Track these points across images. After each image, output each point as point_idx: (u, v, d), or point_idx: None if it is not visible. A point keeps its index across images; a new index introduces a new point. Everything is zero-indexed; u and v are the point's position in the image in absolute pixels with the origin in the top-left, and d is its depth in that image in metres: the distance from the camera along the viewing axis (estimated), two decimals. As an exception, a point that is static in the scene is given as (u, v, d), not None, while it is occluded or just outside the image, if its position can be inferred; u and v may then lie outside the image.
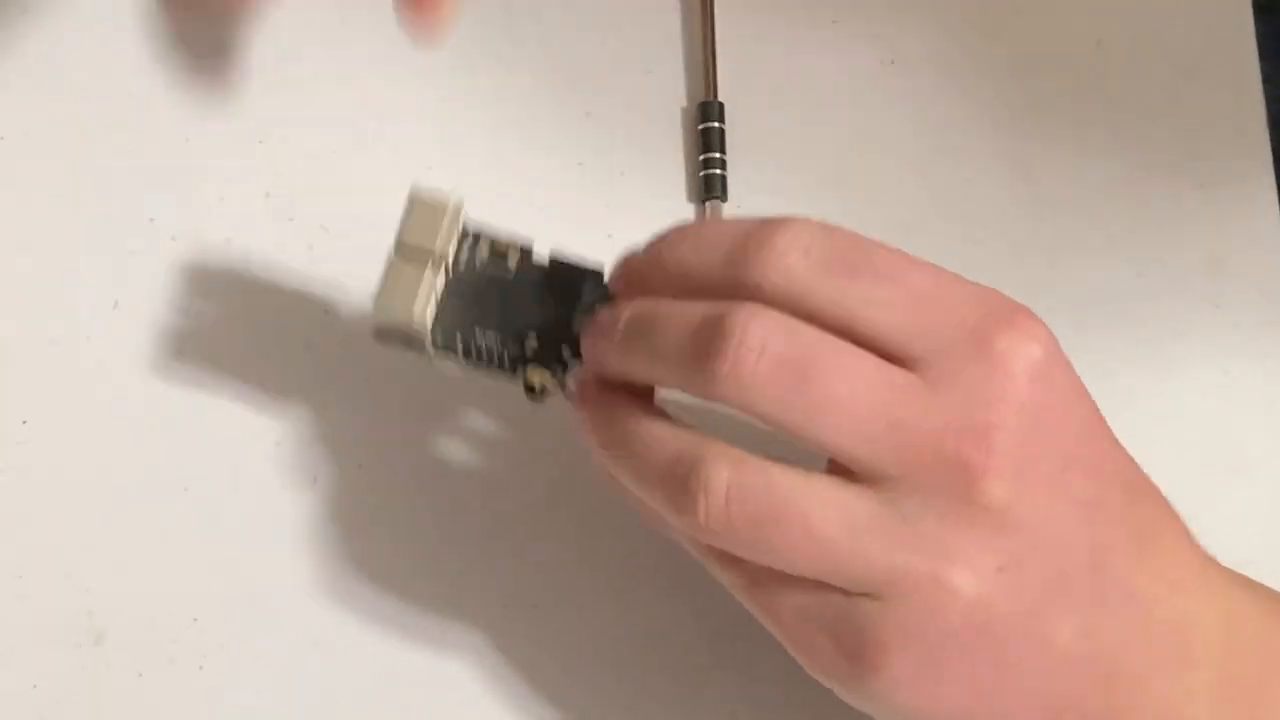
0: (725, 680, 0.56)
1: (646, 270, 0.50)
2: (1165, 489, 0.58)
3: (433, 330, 0.52)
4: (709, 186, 0.62)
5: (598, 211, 0.62)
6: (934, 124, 0.65)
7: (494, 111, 0.63)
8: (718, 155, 0.63)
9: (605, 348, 0.49)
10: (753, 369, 0.45)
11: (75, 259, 0.60)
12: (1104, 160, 0.65)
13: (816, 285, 0.46)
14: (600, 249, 0.62)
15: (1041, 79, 0.66)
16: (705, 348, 0.46)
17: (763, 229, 0.47)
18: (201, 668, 0.55)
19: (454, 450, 0.59)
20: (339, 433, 0.58)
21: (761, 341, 0.45)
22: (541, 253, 0.53)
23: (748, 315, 0.46)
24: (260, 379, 0.59)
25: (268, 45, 0.63)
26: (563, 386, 0.52)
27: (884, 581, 0.45)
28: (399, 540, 0.57)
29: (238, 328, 0.59)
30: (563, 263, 0.53)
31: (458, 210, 0.52)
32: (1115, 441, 0.49)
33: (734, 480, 0.45)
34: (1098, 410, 0.49)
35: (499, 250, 0.53)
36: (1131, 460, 0.49)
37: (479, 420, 0.59)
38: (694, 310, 0.47)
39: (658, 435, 0.48)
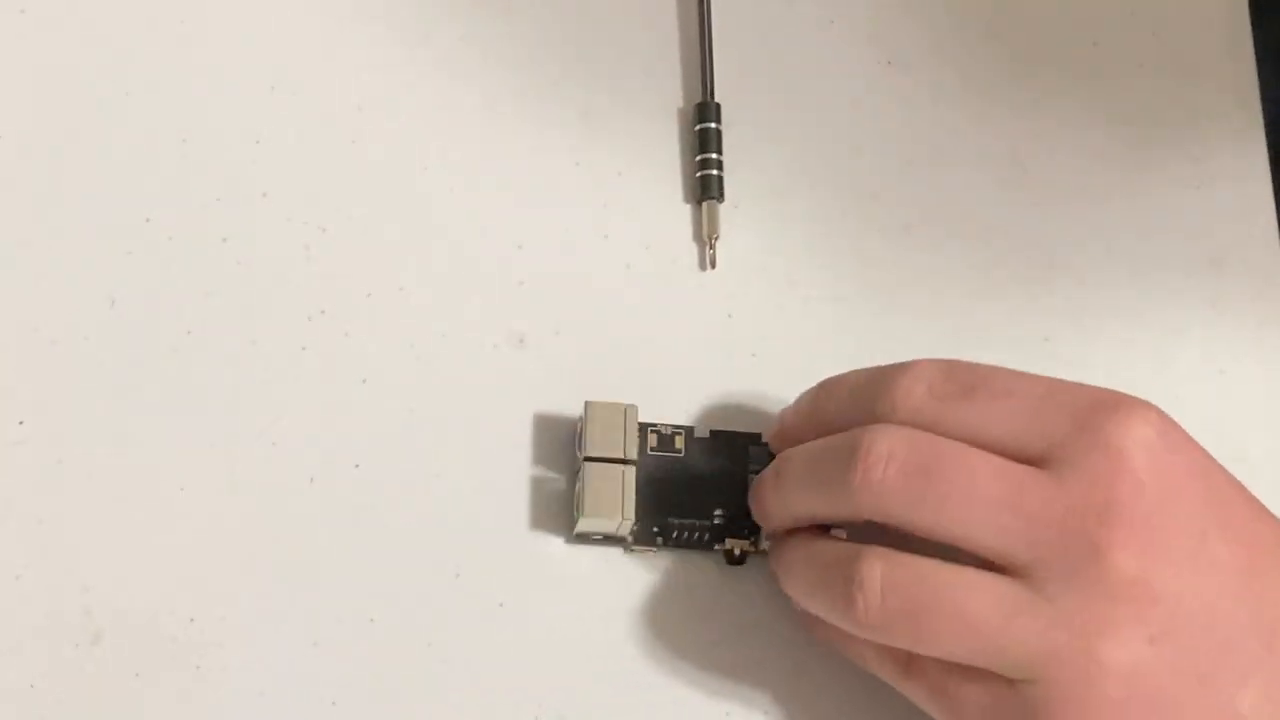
0: None
1: (795, 422, 0.55)
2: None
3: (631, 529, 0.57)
4: (705, 187, 0.62)
5: (594, 211, 0.62)
6: (932, 124, 0.65)
7: (491, 111, 0.63)
8: (714, 156, 0.62)
9: (764, 494, 0.54)
10: (882, 475, 0.49)
11: (73, 258, 0.59)
12: (1102, 160, 0.65)
13: (940, 412, 0.50)
14: (597, 248, 0.62)
15: (1039, 79, 0.66)
16: (840, 465, 0.50)
17: (888, 371, 0.51)
18: (199, 667, 0.55)
19: (454, 449, 0.58)
20: (336, 433, 0.58)
21: (889, 449, 0.49)
22: (702, 429, 0.58)
23: (876, 431, 0.50)
24: (257, 379, 0.59)
25: (266, 45, 0.63)
26: (756, 547, 0.57)
27: (1040, 662, 0.48)
28: (396, 540, 0.57)
29: (235, 328, 0.59)
30: (723, 433, 0.58)
31: (634, 414, 0.57)
32: (1258, 505, 0.51)
33: (887, 574, 0.49)
34: (1232, 479, 0.51)
35: (665, 436, 0.57)
36: (1277, 521, 0.51)
37: (479, 420, 0.59)
38: (831, 441, 0.52)
39: (819, 548, 0.53)
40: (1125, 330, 0.62)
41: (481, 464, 0.58)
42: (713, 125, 0.63)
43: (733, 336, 0.61)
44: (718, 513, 0.57)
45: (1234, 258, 0.64)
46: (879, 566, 0.49)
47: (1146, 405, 0.50)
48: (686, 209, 0.63)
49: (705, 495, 0.57)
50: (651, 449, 0.57)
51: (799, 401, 0.56)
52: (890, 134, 0.64)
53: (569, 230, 0.62)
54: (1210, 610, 0.48)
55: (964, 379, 0.50)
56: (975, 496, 0.48)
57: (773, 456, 0.57)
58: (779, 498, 0.54)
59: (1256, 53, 0.67)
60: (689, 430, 0.57)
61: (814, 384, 0.55)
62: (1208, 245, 0.64)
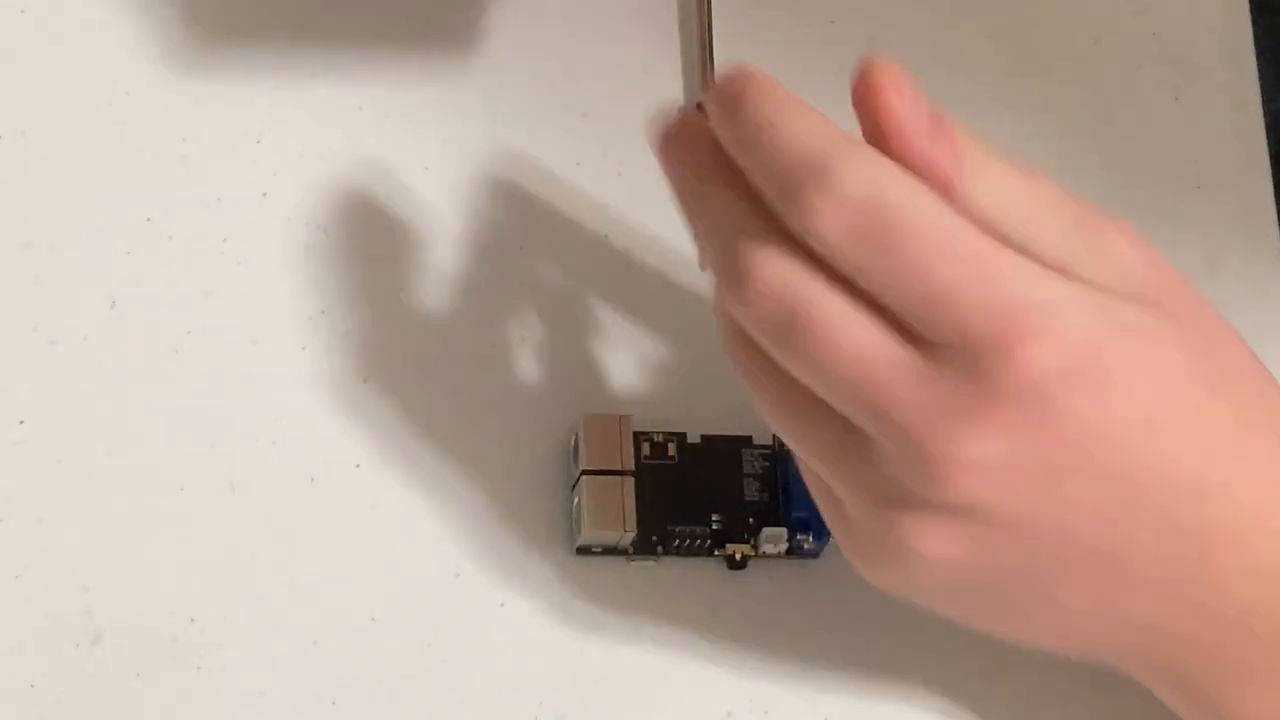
0: None
1: (729, 113, 0.47)
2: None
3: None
4: None
5: (594, 211, 0.62)
6: (931, 124, 0.65)
7: (491, 111, 0.63)
8: None
9: (679, 165, 0.49)
10: (754, 302, 0.45)
11: (72, 258, 0.59)
12: (1101, 161, 0.65)
13: (845, 253, 0.44)
14: (596, 247, 0.62)
15: (1039, 79, 0.66)
16: (722, 259, 0.46)
17: (823, 168, 0.45)
18: (199, 668, 0.55)
19: (454, 448, 0.58)
20: (336, 432, 0.58)
21: (766, 285, 0.45)
22: (694, 435, 0.57)
23: (762, 258, 0.45)
24: (256, 379, 0.59)
25: (265, 44, 0.63)
26: (756, 551, 0.57)
27: (896, 428, 0.44)
28: (396, 540, 0.57)
29: (235, 328, 0.59)
30: (716, 438, 0.57)
31: (629, 425, 0.56)
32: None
33: (778, 279, 0.45)
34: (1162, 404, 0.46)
35: (658, 444, 0.57)
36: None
37: (478, 420, 0.59)
38: (730, 216, 0.46)
39: (722, 199, 0.47)
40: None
41: (481, 464, 0.58)
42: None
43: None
44: (715, 518, 0.57)
45: (1234, 258, 0.64)
46: (774, 270, 0.45)
47: (1065, 326, 0.44)
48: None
49: (702, 501, 0.57)
50: (645, 457, 0.57)
51: (750, 91, 0.47)
52: (890, 134, 0.64)
53: (569, 230, 0.62)
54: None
55: (885, 230, 0.44)
56: (835, 362, 0.44)
57: (766, 458, 0.57)
58: (682, 195, 0.49)
59: (1256, 53, 0.67)
60: (681, 437, 0.57)
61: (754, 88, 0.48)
62: (1208, 245, 0.64)
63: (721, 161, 0.47)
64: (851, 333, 0.44)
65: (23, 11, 0.62)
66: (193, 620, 0.55)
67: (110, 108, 0.61)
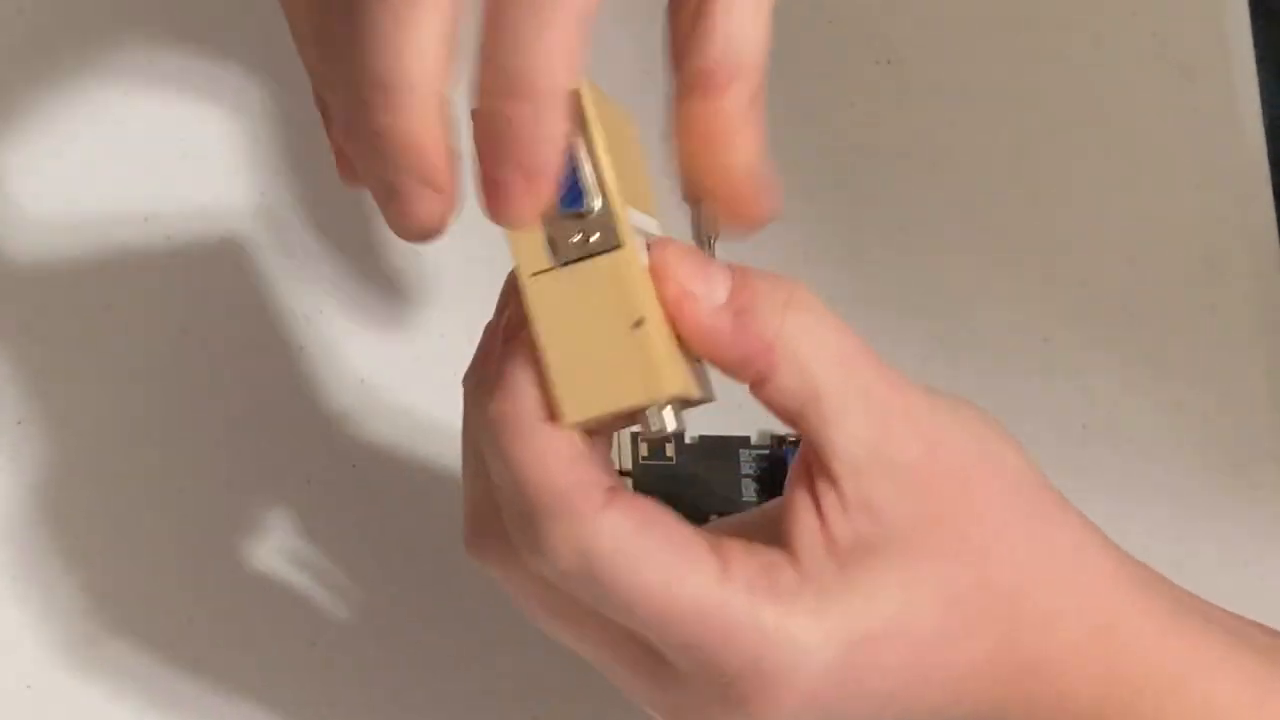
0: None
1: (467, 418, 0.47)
2: (1162, 489, 0.58)
3: None
4: None
5: (595, 212, 0.62)
6: (929, 124, 0.65)
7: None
8: None
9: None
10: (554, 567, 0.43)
11: (71, 258, 0.59)
12: (1101, 160, 0.65)
13: (577, 596, 0.44)
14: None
15: (1039, 79, 0.66)
16: (477, 541, 0.45)
17: (538, 528, 0.43)
18: (198, 669, 0.55)
19: (453, 448, 0.58)
20: (333, 433, 0.58)
21: (514, 597, 0.45)
22: (691, 434, 0.57)
23: (504, 577, 0.45)
24: (255, 379, 0.59)
25: (264, 45, 0.63)
26: None
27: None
28: (393, 540, 0.57)
29: (232, 328, 0.59)
30: (712, 438, 0.57)
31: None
32: None
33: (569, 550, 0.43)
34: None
35: (655, 445, 0.57)
36: None
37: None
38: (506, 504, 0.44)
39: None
40: (1125, 330, 0.62)
41: (480, 464, 0.58)
42: None
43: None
44: (714, 518, 0.56)
45: (1234, 258, 0.64)
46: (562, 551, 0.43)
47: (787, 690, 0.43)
48: (684, 208, 0.63)
49: (700, 501, 0.57)
50: (643, 458, 0.57)
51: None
52: (888, 133, 0.64)
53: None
54: None
55: (604, 598, 0.43)
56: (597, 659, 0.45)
57: (764, 459, 0.57)
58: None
59: (1256, 53, 0.67)
60: (679, 437, 0.57)
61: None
62: (1208, 245, 0.64)
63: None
64: (589, 635, 0.44)
65: (20, 11, 0.62)
66: (191, 620, 0.55)
67: (109, 107, 0.61)
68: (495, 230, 0.62)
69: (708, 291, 0.43)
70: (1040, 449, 0.60)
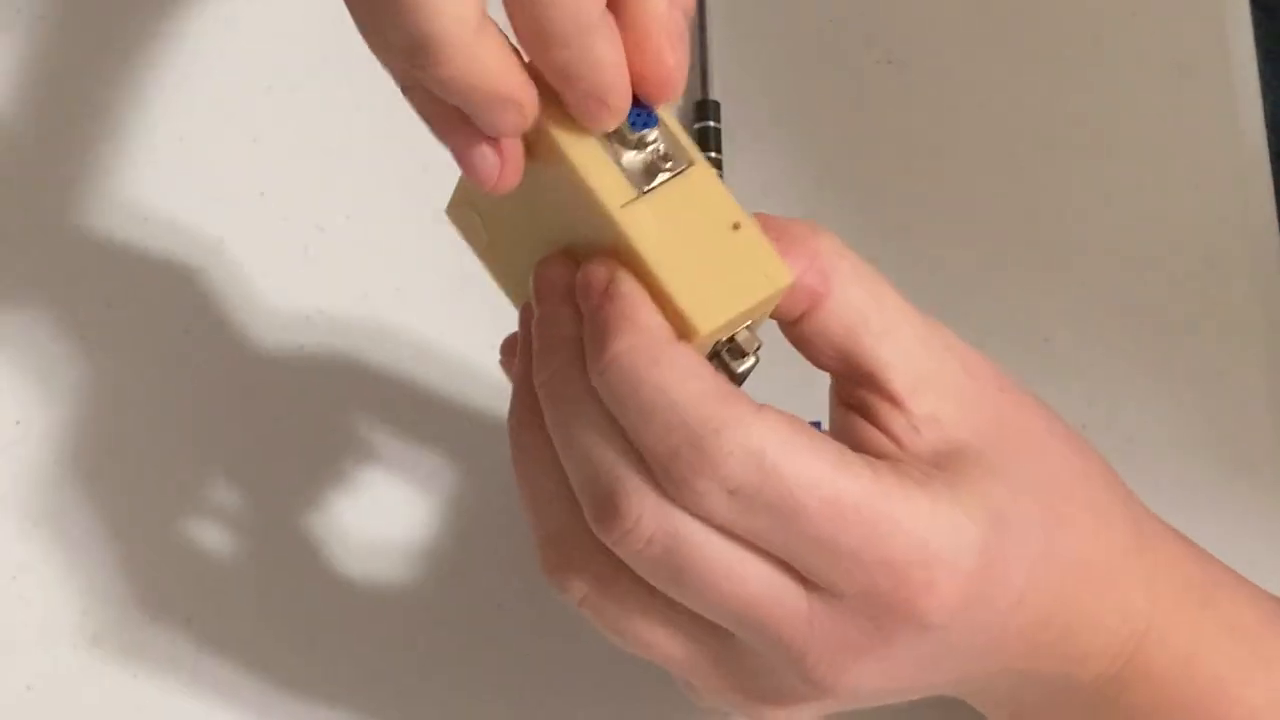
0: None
1: (594, 361, 0.44)
2: (1164, 490, 0.58)
3: None
4: None
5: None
6: (930, 123, 0.65)
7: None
8: (714, 155, 0.62)
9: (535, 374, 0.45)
10: (629, 543, 0.43)
11: (69, 258, 0.59)
12: (1101, 160, 0.65)
13: (735, 527, 0.43)
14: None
15: (1039, 79, 0.66)
16: (600, 508, 0.43)
17: (701, 448, 0.42)
18: (198, 669, 0.55)
19: (450, 449, 0.58)
20: (333, 432, 0.58)
21: (643, 528, 0.43)
22: None
23: (638, 501, 0.43)
24: (254, 379, 0.59)
25: (263, 44, 0.63)
26: None
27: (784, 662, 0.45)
28: (394, 539, 0.57)
29: (232, 328, 0.59)
30: None
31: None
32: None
33: (654, 522, 0.43)
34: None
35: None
36: None
37: (474, 421, 0.59)
38: (599, 448, 0.43)
39: (588, 423, 0.44)
40: (1125, 330, 0.62)
41: (481, 465, 0.58)
42: (711, 123, 0.63)
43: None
44: None
45: (1234, 258, 0.64)
46: (651, 516, 0.42)
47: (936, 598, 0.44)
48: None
49: None
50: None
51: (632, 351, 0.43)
52: (888, 133, 0.64)
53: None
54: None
55: (774, 502, 0.42)
56: (726, 608, 0.44)
57: None
58: (556, 443, 0.45)
59: (1257, 53, 0.67)
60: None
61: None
62: (1208, 245, 0.64)
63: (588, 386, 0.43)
64: (738, 576, 0.43)
65: (19, 11, 0.62)
66: (190, 620, 0.55)
67: (108, 107, 0.61)
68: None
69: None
70: (1040, 449, 0.60)
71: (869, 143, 0.64)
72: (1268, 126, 0.66)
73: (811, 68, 0.65)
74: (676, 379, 0.42)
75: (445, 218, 0.61)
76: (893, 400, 0.44)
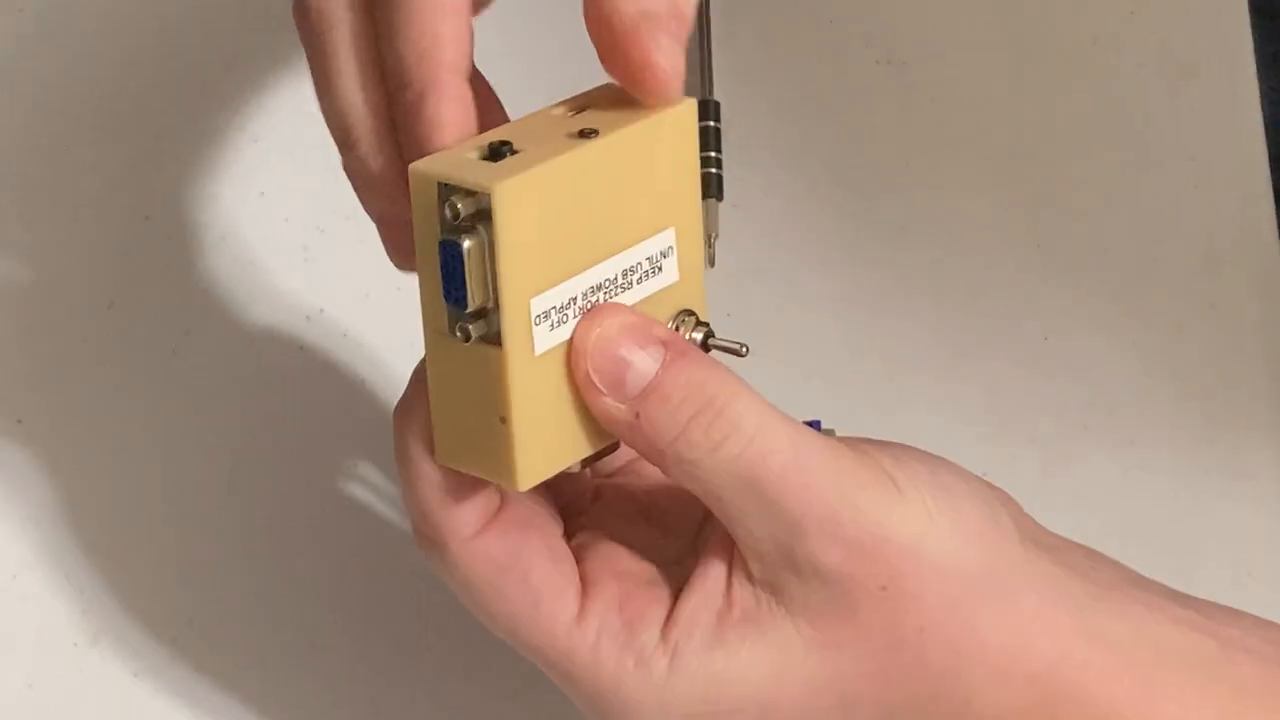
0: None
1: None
2: (1163, 489, 0.58)
3: None
4: (705, 185, 0.62)
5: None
6: (929, 123, 0.65)
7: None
8: (714, 154, 0.62)
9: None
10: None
11: (71, 258, 0.59)
12: (1101, 160, 0.65)
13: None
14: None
15: (1039, 79, 0.66)
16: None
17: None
18: (198, 669, 0.55)
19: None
20: (334, 433, 0.58)
21: None
22: None
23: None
24: (255, 379, 0.59)
25: (262, 43, 0.63)
26: None
27: None
28: (395, 539, 0.57)
29: (232, 328, 0.59)
30: None
31: None
32: None
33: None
34: None
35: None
36: None
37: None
38: None
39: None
40: (1125, 330, 0.62)
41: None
42: (712, 123, 0.63)
43: (731, 335, 0.61)
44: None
45: (1234, 258, 0.64)
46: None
47: None
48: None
49: None
50: None
51: None
52: (887, 133, 0.64)
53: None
54: None
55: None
56: None
57: None
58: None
59: (1256, 53, 0.67)
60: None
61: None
62: (1208, 245, 0.64)
63: None
64: None
65: (20, 11, 0.62)
66: (190, 621, 0.55)
67: (109, 107, 0.61)
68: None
69: (617, 386, 0.43)
70: (1040, 449, 0.60)
71: (869, 143, 0.64)
72: (1267, 127, 0.66)
73: (811, 68, 0.65)
74: (411, 479, 0.45)
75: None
76: (742, 560, 0.44)
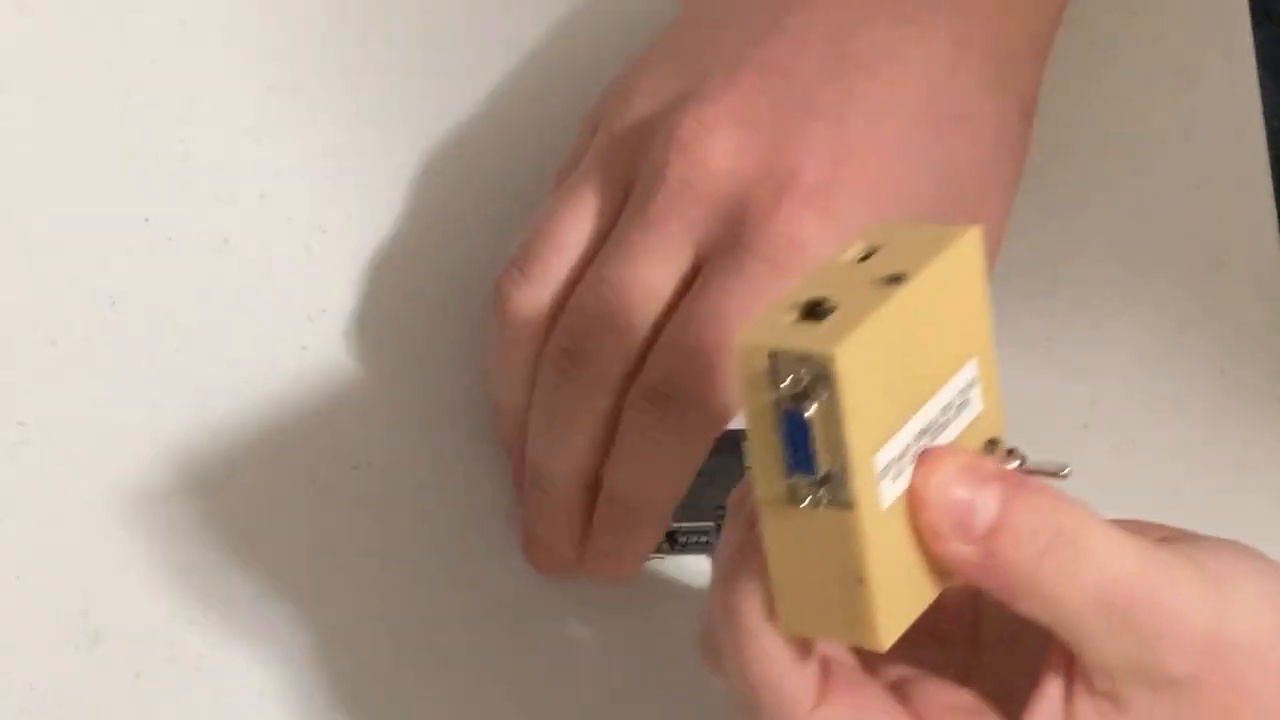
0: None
1: None
2: (1163, 489, 0.58)
3: None
4: None
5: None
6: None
7: (490, 110, 0.63)
8: None
9: None
10: None
11: (72, 258, 0.59)
12: (1102, 161, 0.65)
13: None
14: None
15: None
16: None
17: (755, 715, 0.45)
18: (199, 669, 0.55)
19: (452, 450, 0.58)
20: (335, 434, 0.58)
21: None
22: None
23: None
24: (256, 380, 0.59)
25: (264, 44, 0.63)
26: None
27: None
28: (396, 540, 0.57)
29: (234, 328, 0.59)
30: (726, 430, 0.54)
31: None
32: None
33: None
34: None
35: None
36: None
37: (476, 421, 0.59)
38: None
39: None
40: (1125, 330, 0.62)
41: (481, 466, 0.58)
42: None
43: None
44: (719, 508, 0.56)
45: (1234, 258, 0.64)
46: None
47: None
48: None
49: (706, 494, 0.56)
50: None
51: None
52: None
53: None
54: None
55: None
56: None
57: None
58: None
59: (1256, 54, 0.67)
60: None
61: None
62: (1208, 245, 0.64)
63: None
64: None
65: (22, 12, 0.62)
66: (192, 622, 0.55)
67: (110, 107, 0.61)
68: (490, 243, 0.62)
69: (964, 530, 0.43)
70: (1040, 449, 0.60)
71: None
72: (1267, 127, 0.66)
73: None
74: (751, 655, 0.43)
75: (446, 217, 0.61)
76: (1086, 682, 0.44)
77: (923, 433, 0.42)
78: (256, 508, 0.57)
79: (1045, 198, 0.64)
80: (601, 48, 0.65)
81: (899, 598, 0.42)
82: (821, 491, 0.40)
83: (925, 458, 0.42)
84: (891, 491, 0.41)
